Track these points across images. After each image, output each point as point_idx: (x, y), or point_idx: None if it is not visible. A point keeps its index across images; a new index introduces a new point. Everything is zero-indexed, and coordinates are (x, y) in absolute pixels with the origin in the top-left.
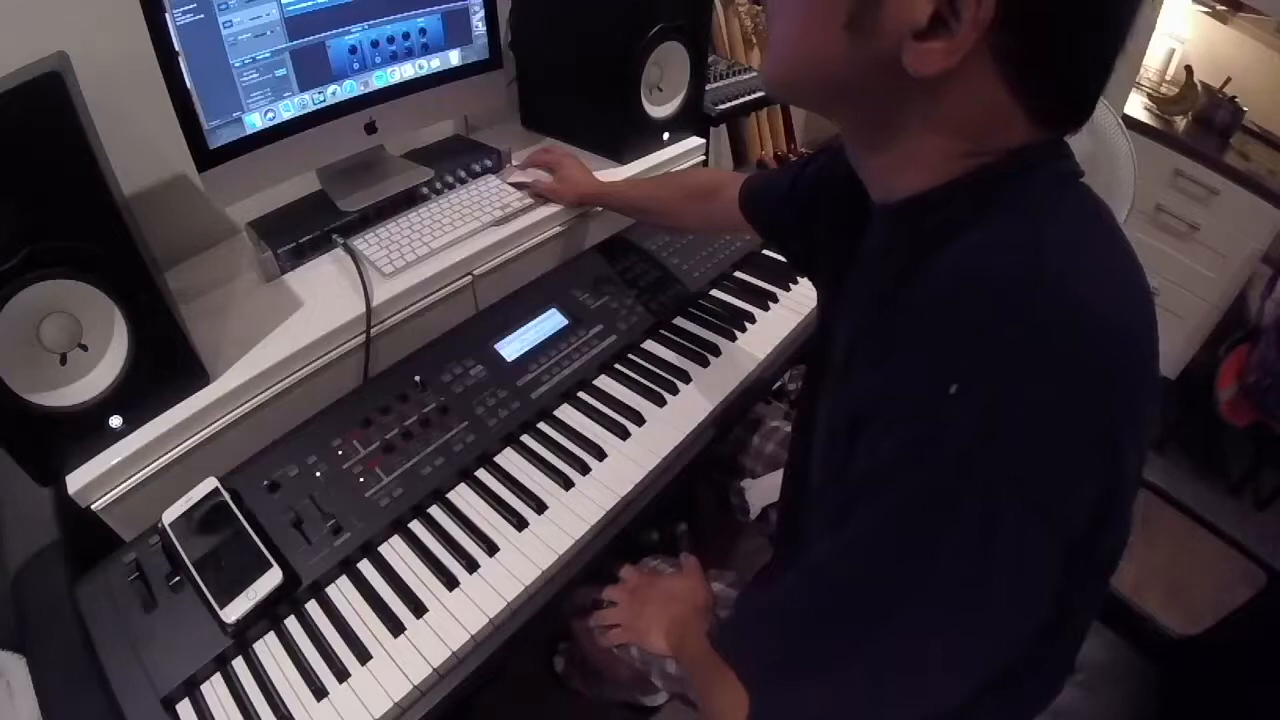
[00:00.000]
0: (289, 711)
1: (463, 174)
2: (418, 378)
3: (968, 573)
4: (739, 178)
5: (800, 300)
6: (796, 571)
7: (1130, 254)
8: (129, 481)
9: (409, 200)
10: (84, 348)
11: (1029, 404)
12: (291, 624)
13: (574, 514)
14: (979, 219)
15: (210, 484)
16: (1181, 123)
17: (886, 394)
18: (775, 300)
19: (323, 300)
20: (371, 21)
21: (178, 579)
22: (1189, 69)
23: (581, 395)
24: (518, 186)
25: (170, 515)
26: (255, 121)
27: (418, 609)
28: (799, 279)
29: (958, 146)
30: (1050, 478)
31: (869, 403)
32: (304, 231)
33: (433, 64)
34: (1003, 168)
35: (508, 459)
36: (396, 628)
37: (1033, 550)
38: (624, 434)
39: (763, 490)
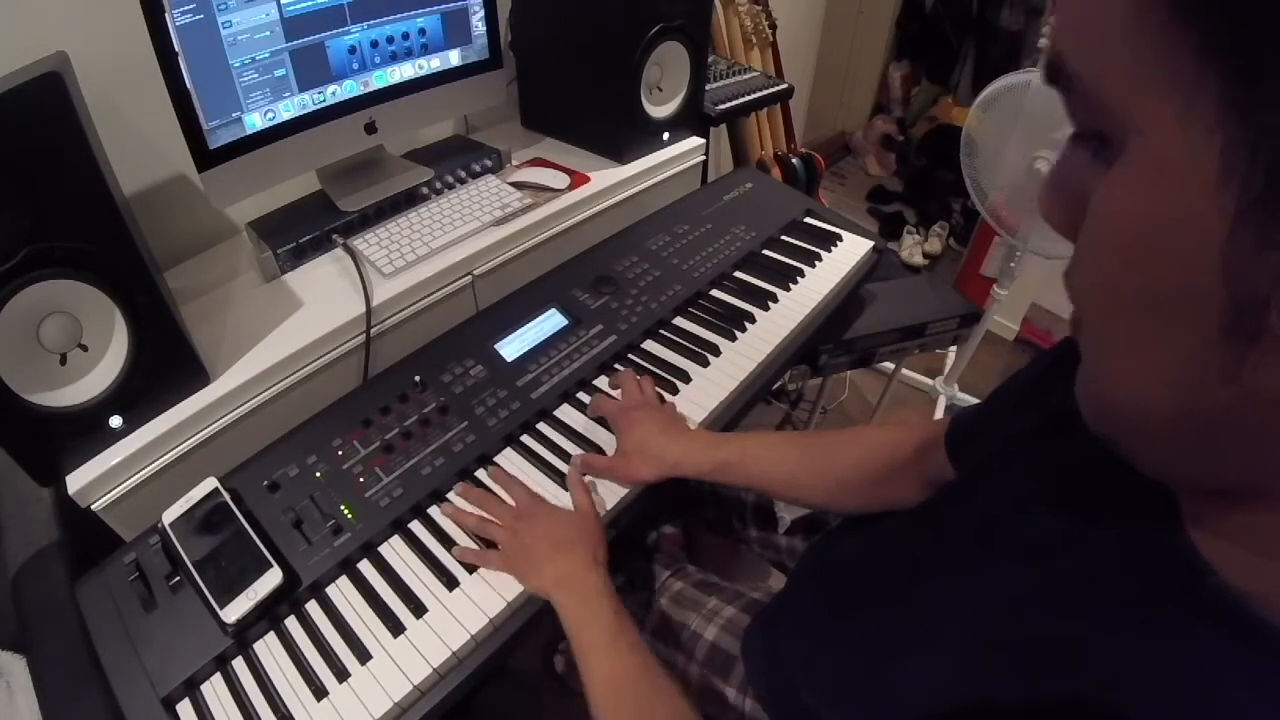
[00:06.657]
0: (289, 711)
1: (463, 174)
2: (418, 378)
3: None
4: (923, 435)
5: (800, 300)
6: None
7: None
8: (129, 481)
9: (409, 200)
10: (84, 348)
11: None
12: (291, 624)
13: None
14: None
15: (210, 484)
16: None
17: None
18: (775, 300)
19: (323, 300)
20: (371, 21)
21: (178, 579)
22: None
23: (581, 395)
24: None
25: (170, 515)
26: (255, 122)
27: (418, 609)
28: (799, 279)
29: None
30: None
31: None
32: (304, 231)
33: (432, 64)
34: None
35: (508, 459)
36: (396, 628)
37: None
38: None
39: None
